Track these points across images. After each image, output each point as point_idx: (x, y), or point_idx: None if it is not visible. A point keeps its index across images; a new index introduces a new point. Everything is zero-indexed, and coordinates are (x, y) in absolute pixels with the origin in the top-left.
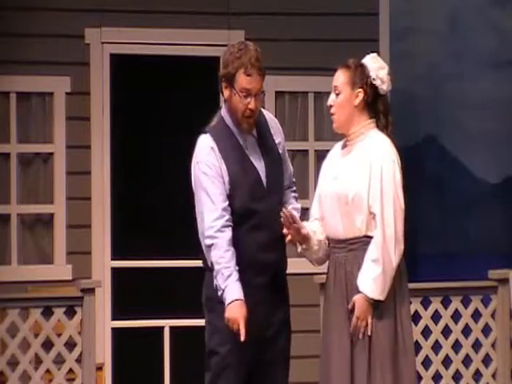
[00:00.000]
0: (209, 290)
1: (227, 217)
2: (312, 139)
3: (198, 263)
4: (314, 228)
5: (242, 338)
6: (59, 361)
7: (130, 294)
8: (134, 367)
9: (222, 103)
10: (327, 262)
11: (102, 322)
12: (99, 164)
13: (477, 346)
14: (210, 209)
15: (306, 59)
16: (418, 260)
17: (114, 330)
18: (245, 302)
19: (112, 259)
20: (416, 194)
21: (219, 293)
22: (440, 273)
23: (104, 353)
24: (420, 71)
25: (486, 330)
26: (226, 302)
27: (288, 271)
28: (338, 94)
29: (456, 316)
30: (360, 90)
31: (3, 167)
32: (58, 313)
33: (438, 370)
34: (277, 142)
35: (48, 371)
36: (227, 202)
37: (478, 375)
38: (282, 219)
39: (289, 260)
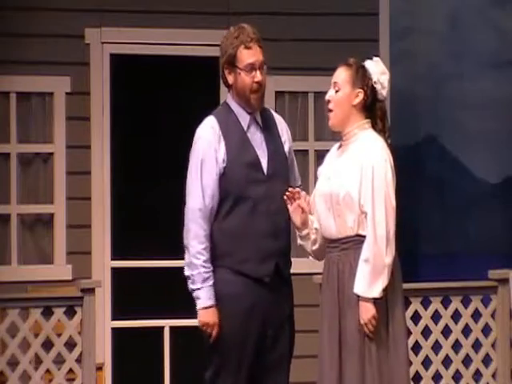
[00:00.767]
0: None
1: (211, 205)
2: (312, 139)
3: None
4: (312, 218)
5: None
6: (59, 361)
7: (130, 293)
8: (133, 367)
9: (221, 103)
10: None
11: (102, 321)
12: (99, 164)
13: (477, 346)
14: (197, 195)
15: (306, 59)
16: (419, 260)
17: (114, 330)
18: (244, 296)
19: (112, 259)
20: (416, 194)
21: (191, 286)
22: (441, 273)
23: (104, 353)
24: (420, 71)
25: (486, 330)
26: (201, 306)
27: None
28: (337, 91)
29: (456, 316)
30: (360, 90)
31: (3, 167)
32: (58, 313)
33: (438, 370)
34: (283, 139)
35: (48, 371)
36: (216, 186)
37: (478, 375)
38: (286, 197)
39: None
